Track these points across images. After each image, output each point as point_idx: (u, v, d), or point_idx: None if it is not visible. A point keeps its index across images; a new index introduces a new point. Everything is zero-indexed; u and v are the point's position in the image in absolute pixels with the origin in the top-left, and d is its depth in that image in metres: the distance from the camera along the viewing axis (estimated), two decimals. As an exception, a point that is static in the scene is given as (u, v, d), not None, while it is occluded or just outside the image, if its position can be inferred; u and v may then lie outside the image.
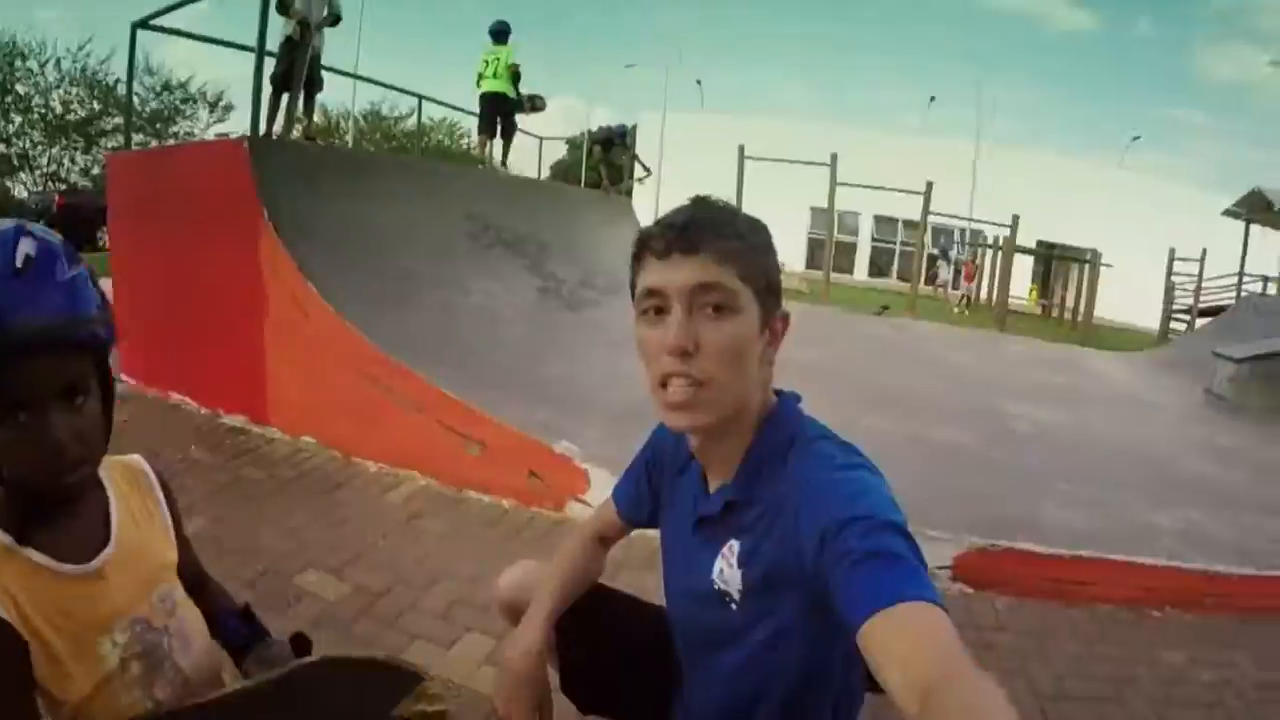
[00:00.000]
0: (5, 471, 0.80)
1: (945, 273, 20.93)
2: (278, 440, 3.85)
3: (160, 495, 1.01)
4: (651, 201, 18.42)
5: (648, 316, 0.95)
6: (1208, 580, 2.66)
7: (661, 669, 1.18)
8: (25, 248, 0.75)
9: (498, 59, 8.12)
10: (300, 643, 1.03)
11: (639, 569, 2.35)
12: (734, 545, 0.97)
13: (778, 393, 1.04)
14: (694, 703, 1.11)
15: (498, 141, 8.52)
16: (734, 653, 0.99)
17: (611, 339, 4.82)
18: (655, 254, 0.93)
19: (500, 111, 8.30)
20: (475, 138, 10.20)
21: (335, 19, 5.72)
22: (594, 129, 11.58)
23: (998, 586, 2.68)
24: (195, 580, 1.05)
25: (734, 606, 0.97)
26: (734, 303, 0.91)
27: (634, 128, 11.87)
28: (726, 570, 0.97)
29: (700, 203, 0.98)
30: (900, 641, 0.69)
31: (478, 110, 8.41)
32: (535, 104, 8.77)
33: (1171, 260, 18.69)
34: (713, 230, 0.91)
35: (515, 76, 8.22)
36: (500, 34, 8.14)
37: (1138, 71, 59.54)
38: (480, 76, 8.20)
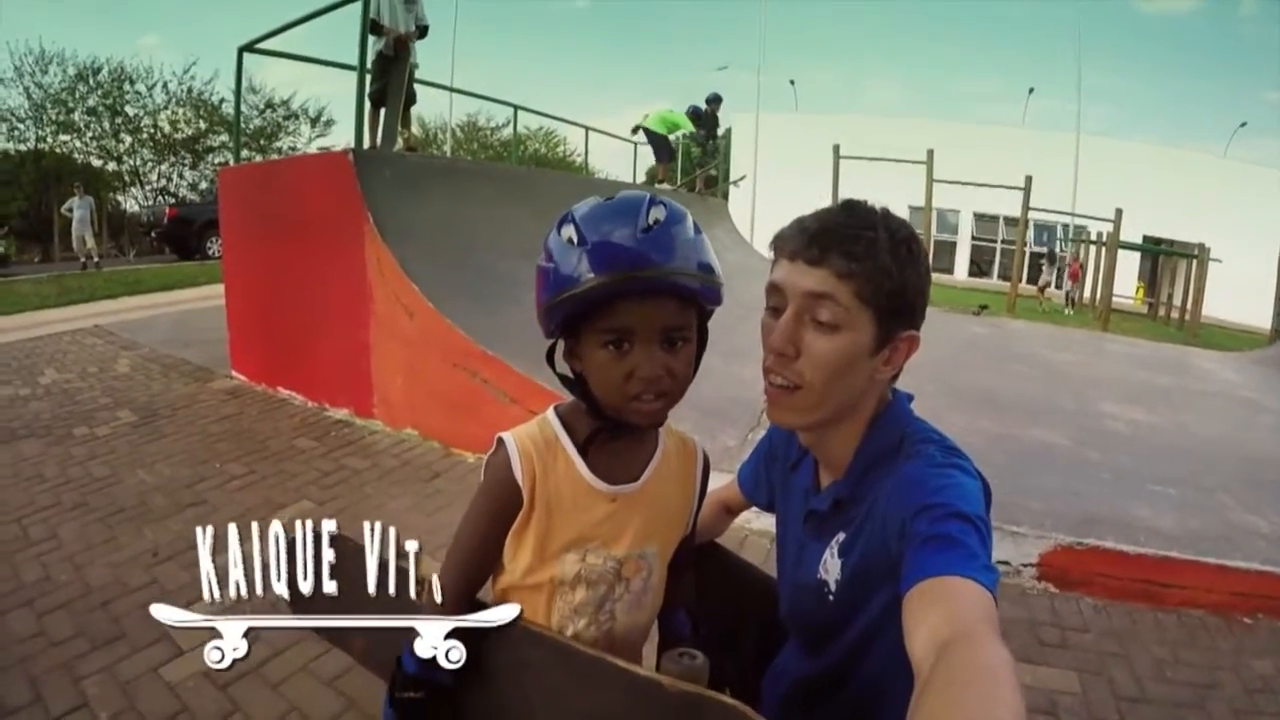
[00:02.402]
0: (594, 388, 0.90)
1: (1048, 273, 19.97)
2: (380, 432, 4.06)
3: (699, 476, 1.06)
4: (748, 205, 18.27)
5: (770, 309, 0.98)
6: (1302, 586, 2.54)
7: (760, 632, 1.23)
8: (655, 213, 0.84)
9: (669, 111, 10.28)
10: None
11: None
12: (840, 537, 1.00)
13: (893, 390, 1.05)
14: (785, 667, 1.15)
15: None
16: (828, 643, 1.03)
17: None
18: (785, 255, 0.95)
19: (656, 145, 10.36)
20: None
21: (423, 31, 5.82)
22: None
23: (1084, 586, 2.65)
24: (679, 565, 1.07)
25: (831, 599, 0.99)
26: (843, 320, 0.90)
27: (728, 130, 12.02)
28: (829, 560, 1.00)
29: (846, 209, 0.96)
30: (931, 608, 0.71)
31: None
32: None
33: (1285, 254, 17.40)
34: (842, 244, 0.90)
35: (667, 122, 10.22)
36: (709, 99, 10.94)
37: (1242, 53, 54.63)
38: None
